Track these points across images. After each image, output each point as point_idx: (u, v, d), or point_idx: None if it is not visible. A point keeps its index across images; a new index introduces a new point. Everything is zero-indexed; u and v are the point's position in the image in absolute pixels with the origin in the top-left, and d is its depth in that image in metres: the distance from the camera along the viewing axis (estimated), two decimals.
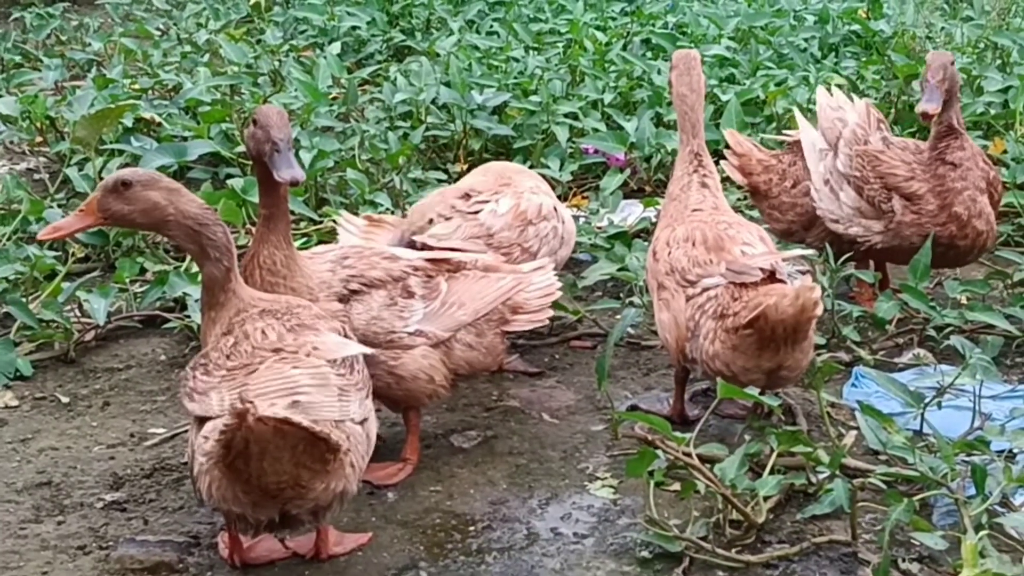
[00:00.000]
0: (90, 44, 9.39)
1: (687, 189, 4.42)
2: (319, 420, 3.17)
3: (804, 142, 5.17)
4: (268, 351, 3.36)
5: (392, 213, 6.03)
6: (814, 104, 6.80)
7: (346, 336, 3.57)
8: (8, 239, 5.57)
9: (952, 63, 4.90)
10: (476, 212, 4.64)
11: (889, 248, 5.03)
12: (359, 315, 3.93)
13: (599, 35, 8.47)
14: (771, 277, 4.04)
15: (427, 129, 6.83)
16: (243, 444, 3.14)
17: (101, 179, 6.10)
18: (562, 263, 4.85)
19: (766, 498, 3.68)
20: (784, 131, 5.43)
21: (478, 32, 9.17)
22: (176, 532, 3.75)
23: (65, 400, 4.62)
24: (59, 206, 6.02)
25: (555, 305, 4.39)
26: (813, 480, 3.80)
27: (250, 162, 6.30)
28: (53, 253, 5.48)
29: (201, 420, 3.32)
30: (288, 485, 3.23)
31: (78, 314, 5.11)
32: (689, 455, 3.64)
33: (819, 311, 3.87)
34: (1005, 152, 6.17)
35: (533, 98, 7.00)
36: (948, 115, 4.91)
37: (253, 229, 5.49)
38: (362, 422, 3.40)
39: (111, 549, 3.68)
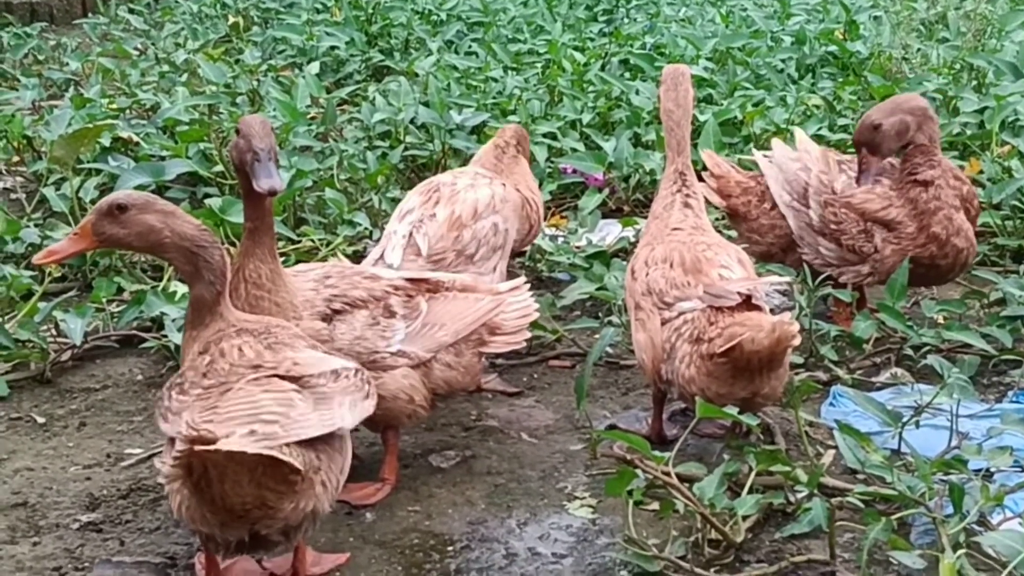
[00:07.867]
0: (68, 64, 9.38)
1: (670, 208, 4.40)
2: (277, 444, 3.11)
3: (774, 194, 5.19)
4: (247, 368, 3.32)
5: (370, 234, 6.04)
6: (790, 124, 6.89)
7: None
8: None
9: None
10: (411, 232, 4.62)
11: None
12: (343, 335, 3.92)
13: (577, 56, 8.50)
14: (748, 301, 4.03)
15: (406, 149, 6.84)
16: (202, 468, 3.12)
17: (78, 198, 6.13)
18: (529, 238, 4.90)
19: (745, 517, 3.67)
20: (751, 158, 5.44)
21: (457, 52, 9.19)
22: (152, 553, 3.73)
23: (41, 420, 4.60)
24: (36, 226, 6.00)
25: (533, 325, 4.38)
26: (791, 499, 3.81)
27: (228, 181, 6.35)
28: (30, 273, 5.45)
29: (173, 440, 3.29)
30: (254, 506, 3.18)
31: (54, 334, 5.08)
32: (668, 474, 3.63)
33: (796, 343, 3.86)
34: (981, 172, 6.20)
35: (512, 118, 7.01)
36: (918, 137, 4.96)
37: (231, 248, 5.49)
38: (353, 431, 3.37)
39: (87, 570, 3.65)
